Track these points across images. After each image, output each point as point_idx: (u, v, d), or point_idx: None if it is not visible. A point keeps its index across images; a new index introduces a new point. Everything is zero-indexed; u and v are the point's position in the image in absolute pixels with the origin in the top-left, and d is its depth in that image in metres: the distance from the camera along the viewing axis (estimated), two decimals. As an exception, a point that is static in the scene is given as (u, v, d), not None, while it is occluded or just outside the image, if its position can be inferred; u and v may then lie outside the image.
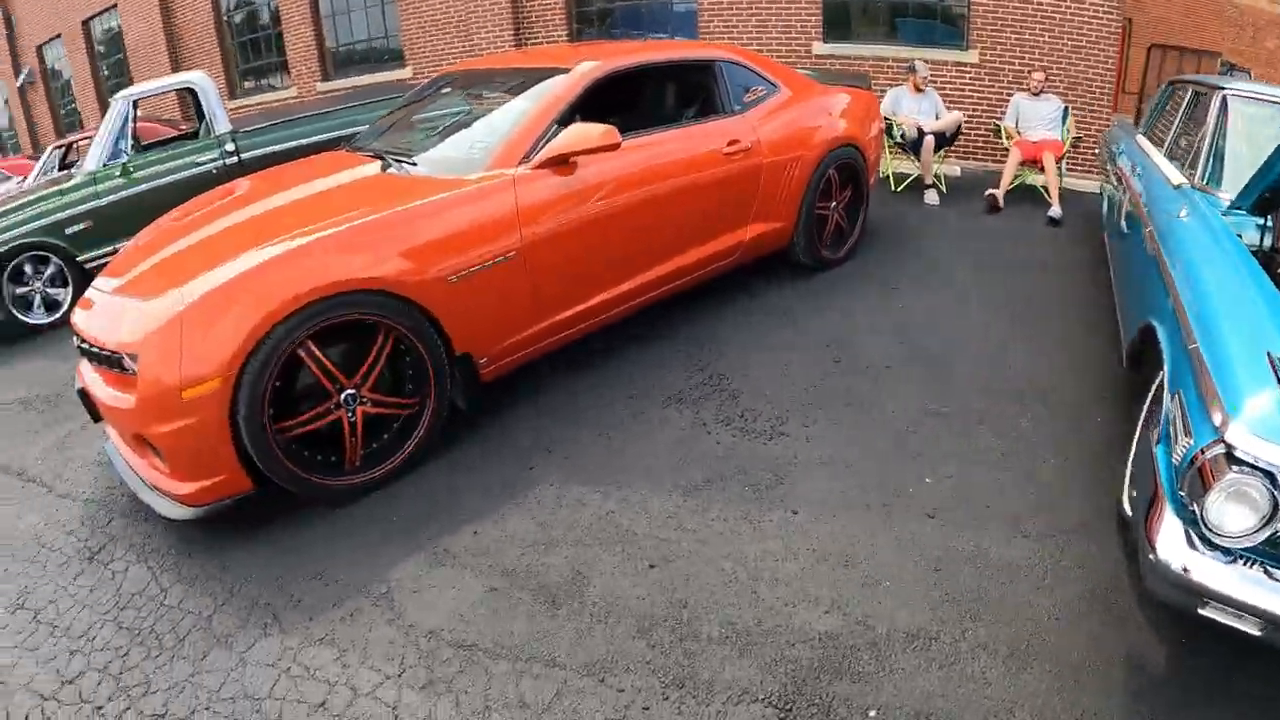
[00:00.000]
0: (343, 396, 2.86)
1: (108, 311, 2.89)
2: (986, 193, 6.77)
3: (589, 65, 3.73)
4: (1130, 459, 2.52)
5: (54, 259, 6.07)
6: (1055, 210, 6.31)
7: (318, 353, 2.77)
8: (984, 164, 8.73)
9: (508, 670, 2.14)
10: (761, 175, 4.34)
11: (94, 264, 6.17)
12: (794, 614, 2.26)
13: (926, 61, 7.79)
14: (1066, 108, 7.30)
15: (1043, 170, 6.67)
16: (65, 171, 6.93)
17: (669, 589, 2.39)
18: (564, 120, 3.49)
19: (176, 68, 13.28)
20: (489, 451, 3.29)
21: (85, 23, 15.20)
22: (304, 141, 6.97)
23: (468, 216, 3.11)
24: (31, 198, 6.04)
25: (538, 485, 3.01)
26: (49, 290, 6.16)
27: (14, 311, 5.98)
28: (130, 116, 6.32)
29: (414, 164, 3.56)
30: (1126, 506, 2.36)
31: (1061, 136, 7.00)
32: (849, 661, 2.10)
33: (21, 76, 17.10)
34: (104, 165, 6.20)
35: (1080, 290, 4.78)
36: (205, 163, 6.61)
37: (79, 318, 3.04)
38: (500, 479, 3.08)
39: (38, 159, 12.94)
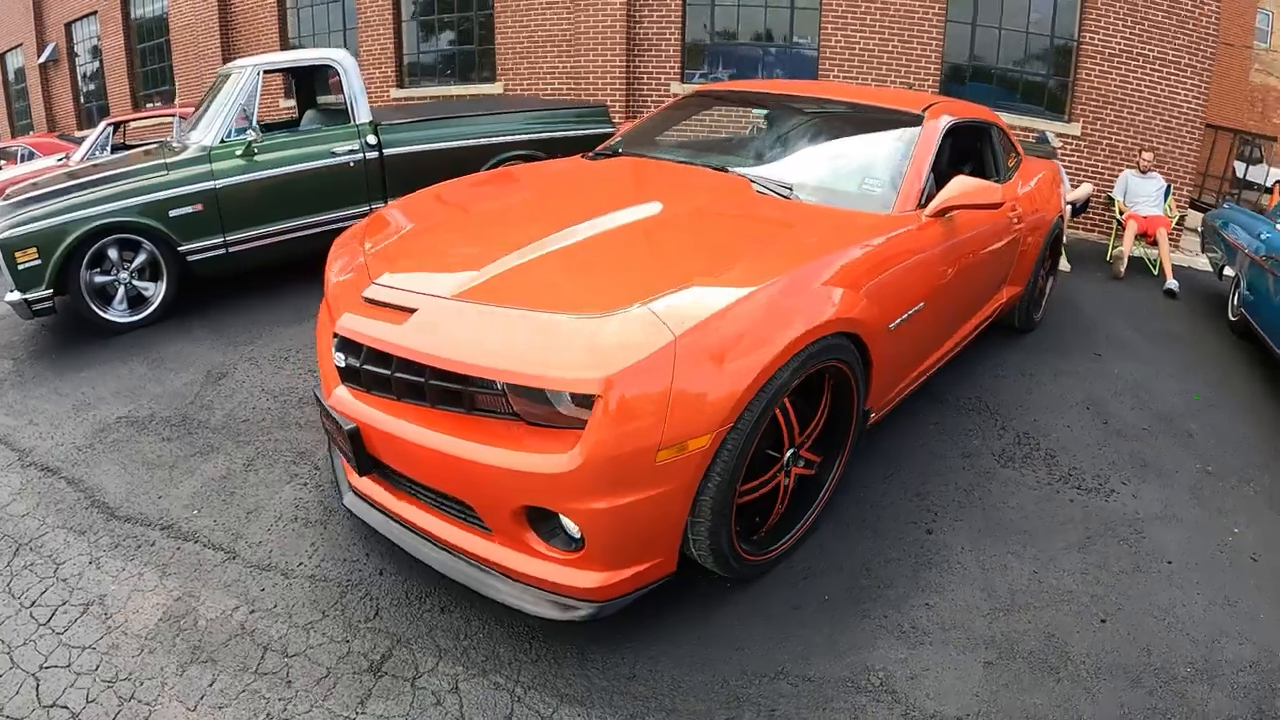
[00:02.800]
0: (787, 456, 2.46)
1: (479, 325, 2.01)
2: (1112, 259, 7.44)
3: (947, 118, 3.57)
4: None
5: (146, 245, 4.96)
6: (1172, 283, 6.72)
7: (787, 404, 2.31)
8: (1089, 234, 9.26)
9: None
10: (1020, 240, 4.30)
11: (198, 257, 5.07)
12: (1224, 647, 2.46)
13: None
14: (1169, 185, 7.94)
15: (1153, 244, 7.36)
16: (157, 143, 5.79)
17: (1127, 638, 2.48)
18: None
19: (229, 57, 12.29)
20: (866, 515, 3.03)
21: (125, 2, 14.13)
22: (448, 144, 6.14)
23: (913, 259, 2.85)
24: (121, 170, 4.92)
25: (949, 549, 2.87)
26: (136, 283, 5.04)
27: (91, 304, 4.85)
28: (258, 90, 5.29)
29: (788, 190, 3.09)
30: None
31: (1165, 212, 7.66)
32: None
33: (45, 53, 15.87)
34: (221, 142, 5.13)
35: (1235, 355, 5.33)
36: (343, 153, 5.59)
37: (380, 330, 2.13)
38: (899, 543, 2.88)
39: (65, 138, 11.78)
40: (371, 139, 5.72)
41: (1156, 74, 8.86)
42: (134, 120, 9.89)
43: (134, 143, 9.93)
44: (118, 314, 4.99)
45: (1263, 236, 5.24)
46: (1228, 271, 6.11)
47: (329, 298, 2.56)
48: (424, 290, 2.16)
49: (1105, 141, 9.18)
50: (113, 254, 4.87)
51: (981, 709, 2.13)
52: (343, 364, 2.18)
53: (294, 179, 5.36)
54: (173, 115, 9.67)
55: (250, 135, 5.19)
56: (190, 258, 5.05)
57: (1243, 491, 3.50)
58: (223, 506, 3.03)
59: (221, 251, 5.16)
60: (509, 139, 6.52)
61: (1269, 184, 11.98)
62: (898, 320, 2.67)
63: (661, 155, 3.76)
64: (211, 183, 5.04)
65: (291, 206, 5.41)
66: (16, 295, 4.58)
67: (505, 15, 10.08)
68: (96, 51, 15.33)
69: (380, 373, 2.06)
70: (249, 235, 5.26)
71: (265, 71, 5.36)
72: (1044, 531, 3.04)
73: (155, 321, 5.09)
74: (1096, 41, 8.97)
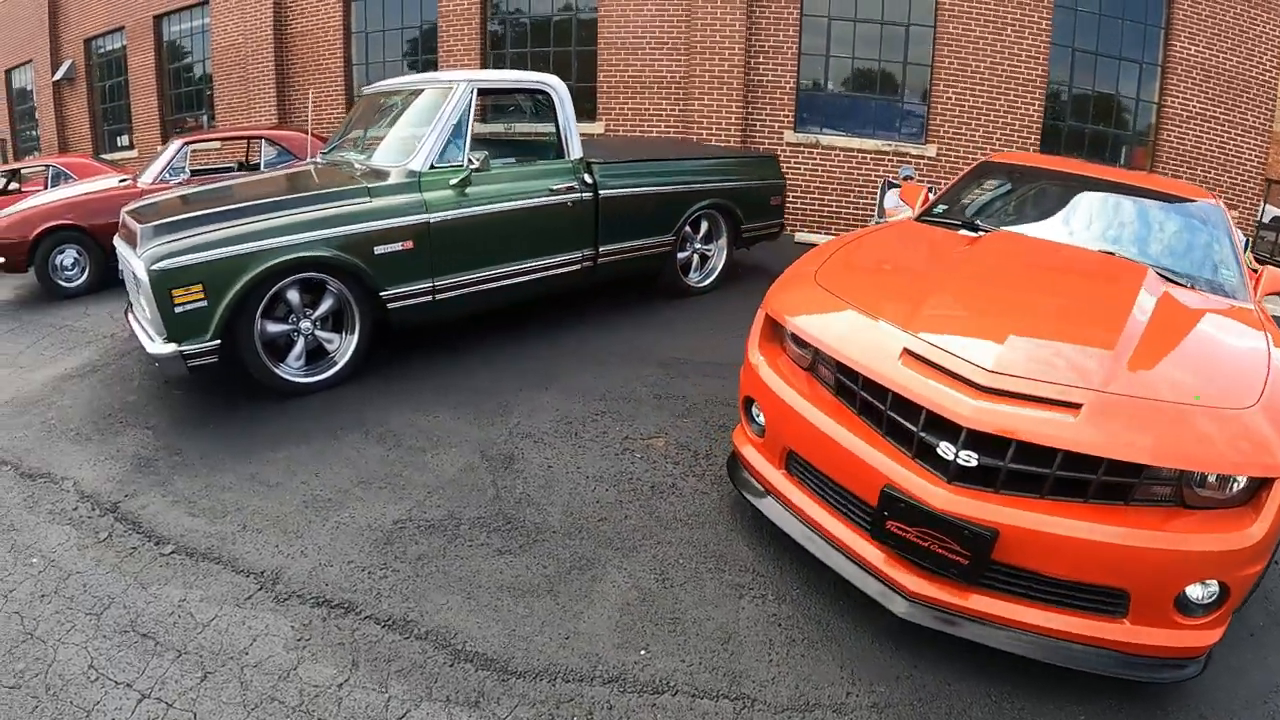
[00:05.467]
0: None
1: (1149, 419, 2.06)
2: None
3: (1221, 205, 3.79)
4: None
5: (334, 288, 3.99)
6: None
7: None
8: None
9: None
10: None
11: (401, 304, 4.11)
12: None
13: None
14: (1247, 240, 8.40)
15: None
16: (327, 163, 4.82)
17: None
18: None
19: (282, 79, 11.42)
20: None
21: (159, 18, 13.14)
22: (654, 189, 5.41)
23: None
24: (307, 194, 3.99)
25: None
26: (319, 333, 4.05)
27: (265, 359, 3.84)
28: (473, 109, 4.40)
29: (1190, 281, 3.21)
30: None
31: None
32: None
33: (61, 70, 14.67)
34: (432, 167, 4.21)
35: None
36: (561, 191, 4.73)
37: (1047, 426, 2.03)
38: None
39: (96, 159, 10.60)
40: (588, 178, 4.90)
41: (1225, 134, 9.42)
42: (205, 141, 8.83)
43: (209, 166, 8.90)
44: (294, 371, 4.00)
45: None
46: None
47: (868, 371, 2.33)
48: (1072, 382, 2.12)
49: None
50: (292, 297, 3.88)
51: None
52: (972, 463, 2.05)
53: (511, 216, 4.51)
54: (248, 136, 8.62)
55: (461, 162, 4.29)
56: (391, 305, 4.09)
57: None
58: (677, 640, 2.35)
59: (428, 299, 4.23)
60: (705, 186, 5.81)
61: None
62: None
63: (1032, 232, 3.67)
64: (424, 216, 4.12)
65: (507, 248, 4.55)
66: (168, 347, 3.55)
67: (609, 53, 9.47)
68: (119, 69, 14.21)
69: (1029, 470, 2.05)
70: (460, 280, 4.35)
71: (478, 89, 4.46)
72: None
73: (340, 382, 4.09)
74: (1176, 105, 9.39)
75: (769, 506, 2.67)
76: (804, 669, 2.25)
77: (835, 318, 2.57)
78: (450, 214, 4.21)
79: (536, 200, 4.62)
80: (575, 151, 4.91)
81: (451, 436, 3.64)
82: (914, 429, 2.15)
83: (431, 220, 4.14)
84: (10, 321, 6.19)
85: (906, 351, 2.26)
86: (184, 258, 3.51)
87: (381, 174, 4.20)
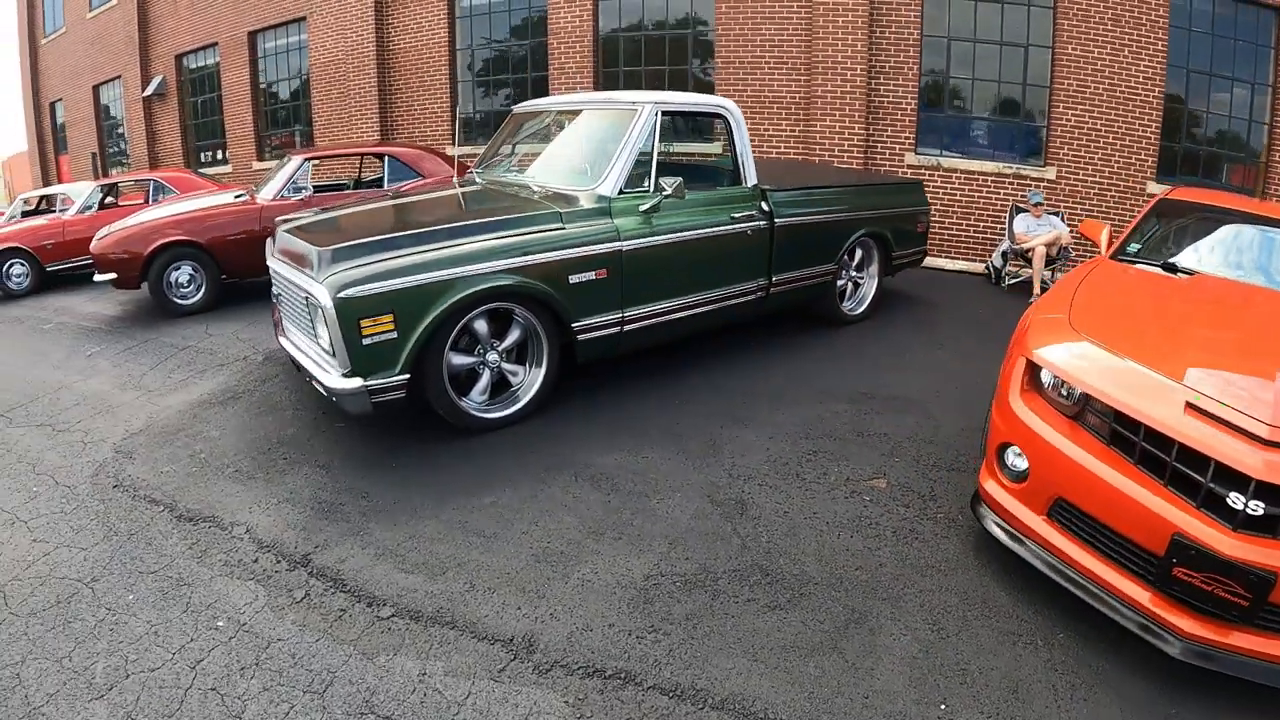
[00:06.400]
0: None
1: None
2: None
3: None
4: None
5: (521, 317, 3.76)
6: None
7: None
8: None
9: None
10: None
11: (589, 336, 3.87)
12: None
13: None
14: None
15: None
16: (507, 182, 4.57)
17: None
18: None
19: (385, 97, 11.37)
20: None
21: (253, 34, 13.25)
22: (821, 217, 5.16)
23: None
24: (494, 219, 3.73)
25: None
26: (505, 366, 3.82)
27: (452, 394, 3.61)
28: (658, 132, 4.16)
29: None
30: None
31: None
32: None
33: (152, 86, 14.87)
34: (620, 193, 3.97)
35: None
36: (742, 219, 4.49)
37: None
38: None
39: (194, 172, 10.63)
40: (765, 205, 4.66)
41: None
42: (326, 157, 8.74)
43: (330, 182, 8.83)
44: (478, 406, 3.75)
45: None
46: None
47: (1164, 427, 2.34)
48: None
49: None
50: (479, 327, 3.64)
51: None
52: (1259, 512, 2.13)
53: (697, 245, 4.28)
54: (373, 153, 8.41)
55: (650, 187, 4.07)
56: (581, 336, 3.85)
57: None
58: (970, 692, 2.25)
59: (616, 330, 3.99)
60: (864, 213, 5.56)
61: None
62: None
63: (1241, 275, 3.65)
64: (617, 244, 3.88)
65: (693, 278, 4.32)
66: (351, 382, 3.27)
67: (727, 73, 9.27)
68: (212, 85, 14.36)
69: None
70: (648, 310, 4.12)
71: (662, 112, 4.21)
72: None
73: (524, 418, 3.86)
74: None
75: (1030, 552, 2.65)
76: (1089, 715, 2.20)
77: (1108, 367, 2.58)
78: (641, 241, 3.97)
79: (719, 229, 4.38)
80: (751, 178, 4.65)
81: (669, 479, 3.38)
82: (1203, 480, 2.21)
83: (624, 248, 3.90)
84: (125, 339, 6.06)
85: (1189, 405, 2.31)
86: (374, 285, 3.26)
87: (570, 199, 3.97)
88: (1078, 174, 9.06)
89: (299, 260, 3.55)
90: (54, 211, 10.72)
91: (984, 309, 6.71)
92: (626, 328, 4.01)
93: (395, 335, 3.30)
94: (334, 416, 4.07)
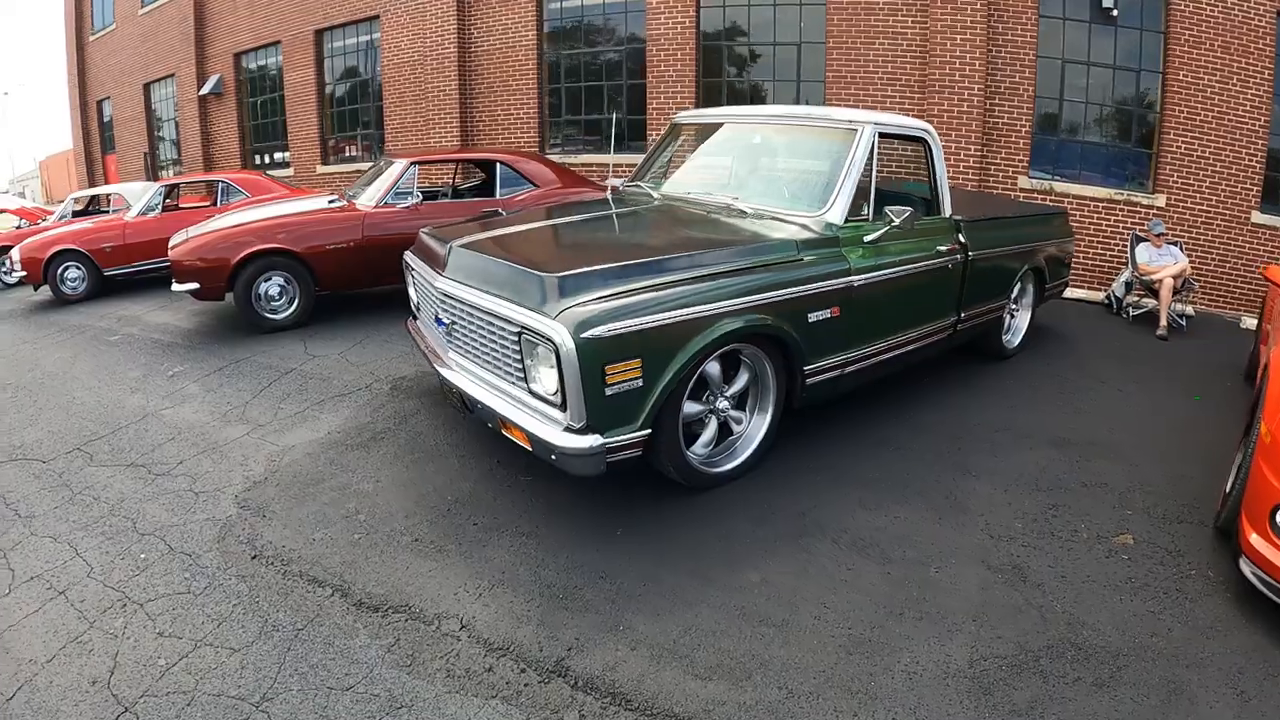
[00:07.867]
0: None
1: None
2: None
3: None
4: None
5: (747, 360, 3.46)
6: None
7: None
8: None
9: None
10: None
11: (817, 379, 3.59)
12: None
13: None
14: None
15: None
16: (695, 200, 4.18)
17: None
18: None
19: (466, 101, 11.05)
20: None
21: (320, 33, 13.00)
22: (1005, 249, 4.94)
23: None
24: (725, 251, 3.33)
25: None
26: (731, 413, 3.53)
27: (683, 446, 3.26)
28: (875, 157, 3.88)
29: None
30: None
31: None
32: None
33: (209, 85, 14.62)
34: (845, 221, 3.70)
35: None
36: (945, 253, 4.25)
37: None
38: None
39: (264, 174, 10.34)
40: (962, 237, 4.42)
41: None
42: (434, 161, 8.38)
43: (429, 188, 8.53)
44: (702, 459, 3.43)
45: None
46: None
47: None
48: None
49: None
50: (712, 370, 3.32)
51: None
52: None
53: (913, 280, 4.04)
54: (485, 159, 7.86)
55: (868, 215, 3.83)
56: (810, 380, 3.56)
57: None
58: None
59: (838, 373, 3.71)
60: (1032, 245, 5.34)
61: None
62: None
63: None
64: (849, 278, 3.59)
65: (907, 314, 4.08)
66: (585, 440, 2.77)
67: (838, 88, 8.99)
68: (274, 85, 14.12)
69: None
70: (868, 351, 3.86)
71: (881, 132, 3.94)
72: None
73: (747, 471, 3.56)
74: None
75: None
76: None
77: None
78: (868, 276, 3.69)
79: (929, 262, 4.12)
80: (948, 208, 4.38)
81: (935, 544, 3.12)
82: None
83: (855, 283, 3.62)
84: (212, 358, 5.46)
85: None
86: (621, 323, 2.75)
87: (795, 225, 3.68)
88: (1185, 201, 8.84)
89: (503, 285, 3.05)
90: (105, 212, 10.40)
91: (1117, 341, 6.46)
92: (848, 369, 3.73)
93: (641, 384, 2.86)
94: (515, 468, 3.55)
